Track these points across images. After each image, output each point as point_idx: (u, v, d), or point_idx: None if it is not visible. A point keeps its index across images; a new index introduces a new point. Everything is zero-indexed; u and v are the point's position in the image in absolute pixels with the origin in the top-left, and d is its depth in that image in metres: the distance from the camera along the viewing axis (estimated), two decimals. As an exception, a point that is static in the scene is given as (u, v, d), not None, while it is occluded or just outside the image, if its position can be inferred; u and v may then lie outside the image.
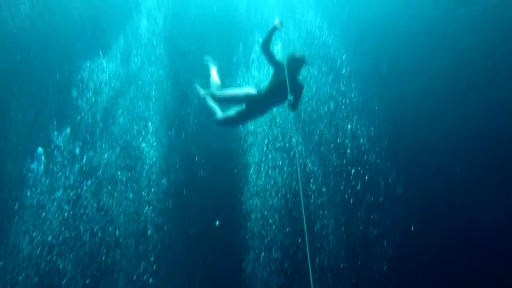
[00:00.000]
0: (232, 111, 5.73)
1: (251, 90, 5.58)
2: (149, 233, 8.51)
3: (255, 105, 5.56)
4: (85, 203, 7.80)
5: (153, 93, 10.27)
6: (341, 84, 10.91)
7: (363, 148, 10.51)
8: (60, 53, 9.27)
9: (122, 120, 9.24)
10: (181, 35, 11.29)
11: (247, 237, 9.45)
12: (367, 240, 10.14)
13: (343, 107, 10.88)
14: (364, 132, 10.71)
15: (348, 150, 10.49)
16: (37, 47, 9.07)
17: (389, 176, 10.35)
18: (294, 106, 5.42)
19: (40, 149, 7.78)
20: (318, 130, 10.63)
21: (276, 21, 5.43)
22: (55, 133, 8.00)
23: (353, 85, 10.80)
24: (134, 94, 9.92)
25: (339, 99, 10.89)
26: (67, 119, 8.28)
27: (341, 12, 11.31)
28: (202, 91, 6.10)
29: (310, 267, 4.06)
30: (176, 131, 10.27)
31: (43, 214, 7.34)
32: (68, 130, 8.14)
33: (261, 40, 5.67)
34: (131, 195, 8.36)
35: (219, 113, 5.61)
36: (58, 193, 7.47)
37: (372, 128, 10.71)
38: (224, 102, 5.66)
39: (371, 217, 10.22)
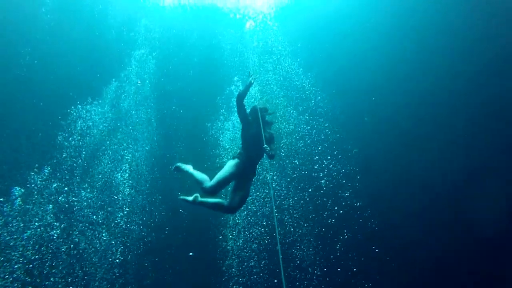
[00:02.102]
0: (220, 179, 5.09)
1: (233, 162, 5.19)
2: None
3: (242, 171, 5.17)
4: (54, 245, 7.43)
5: (139, 136, 10.33)
6: (315, 122, 11.03)
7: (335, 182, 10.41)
8: (52, 97, 9.37)
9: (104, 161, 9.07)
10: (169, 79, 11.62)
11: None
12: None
13: (318, 144, 10.97)
14: (339, 168, 10.68)
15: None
16: (32, 90, 9.20)
17: (364, 212, 10.20)
18: (271, 154, 5.25)
19: (17, 189, 7.56)
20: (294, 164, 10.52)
21: (251, 76, 5.45)
22: (33, 173, 7.80)
23: (327, 124, 10.86)
24: (120, 137, 9.92)
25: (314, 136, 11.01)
26: (49, 160, 8.12)
27: (317, 58, 11.73)
28: (191, 197, 5.30)
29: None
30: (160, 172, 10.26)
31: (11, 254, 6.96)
32: (47, 170, 7.93)
33: (237, 93, 5.49)
34: (104, 237, 7.98)
35: (206, 181, 5.07)
36: (28, 234, 7.13)
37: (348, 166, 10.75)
38: (220, 188, 5.08)
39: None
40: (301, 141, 11.04)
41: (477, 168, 9.87)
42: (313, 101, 11.32)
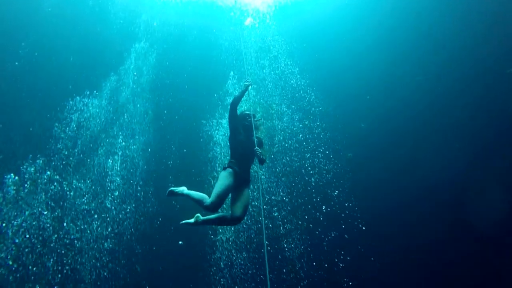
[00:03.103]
0: (218, 193, 4.87)
1: (226, 173, 5.01)
2: (109, 263, 8.14)
3: (237, 179, 5.02)
4: (46, 232, 7.55)
5: (136, 128, 10.38)
6: (308, 121, 11.01)
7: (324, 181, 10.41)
8: (50, 89, 9.45)
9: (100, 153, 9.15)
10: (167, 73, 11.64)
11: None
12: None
13: (309, 141, 10.95)
14: (330, 168, 10.67)
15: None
16: (30, 84, 9.28)
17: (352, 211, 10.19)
18: (262, 158, 5.09)
19: (11, 176, 7.69)
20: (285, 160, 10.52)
21: (247, 82, 5.39)
22: (27, 164, 7.91)
23: (318, 122, 10.83)
24: (117, 129, 9.98)
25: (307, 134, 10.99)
26: (43, 150, 8.23)
27: (313, 58, 11.65)
28: (192, 219, 5.11)
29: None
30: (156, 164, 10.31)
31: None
32: (41, 160, 8.05)
33: (232, 97, 5.41)
34: (96, 225, 8.09)
35: (206, 199, 4.84)
36: (19, 221, 7.26)
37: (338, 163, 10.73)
38: (221, 202, 4.85)
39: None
40: (293, 139, 11.05)
41: (474, 169, 9.76)
42: (306, 100, 11.30)
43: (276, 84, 11.41)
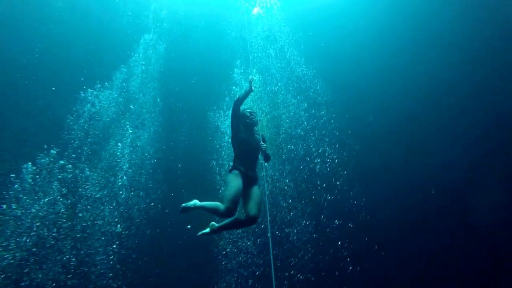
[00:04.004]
0: (230, 197, 4.74)
1: (233, 175, 4.89)
2: (122, 250, 8.47)
3: (245, 179, 4.91)
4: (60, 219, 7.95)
5: (146, 117, 10.56)
6: (314, 110, 10.95)
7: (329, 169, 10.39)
8: (63, 83, 9.67)
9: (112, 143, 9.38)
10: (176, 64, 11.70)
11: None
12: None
13: (316, 131, 10.91)
14: (334, 157, 10.65)
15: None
16: (44, 77, 9.51)
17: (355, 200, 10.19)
18: (267, 154, 5.14)
19: (28, 165, 8.04)
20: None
21: (251, 80, 5.26)
22: (42, 154, 8.25)
23: (322, 112, 10.76)
24: (128, 119, 10.18)
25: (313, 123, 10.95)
26: (57, 140, 8.53)
27: (320, 48, 11.48)
28: (208, 229, 5.03)
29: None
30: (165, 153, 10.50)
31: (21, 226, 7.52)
32: (55, 151, 8.36)
33: (236, 97, 5.26)
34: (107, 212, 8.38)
35: (220, 206, 4.72)
36: (36, 208, 7.66)
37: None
38: (235, 205, 4.73)
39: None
40: (299, 128, 11.03)
41: (480, 164, 9.61)
42: (312, 90, 11.21)
43: (282, 74, 11.35)
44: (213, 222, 4.98)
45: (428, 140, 10.12)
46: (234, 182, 4.80)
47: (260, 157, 5.34)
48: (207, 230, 4.99)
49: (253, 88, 5.28)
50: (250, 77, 5.40)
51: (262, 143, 5.07)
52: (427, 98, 10.26)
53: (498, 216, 8.60)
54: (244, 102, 5.47)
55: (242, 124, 5.25)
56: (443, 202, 9.57)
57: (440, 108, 10.14)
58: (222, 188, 9.55)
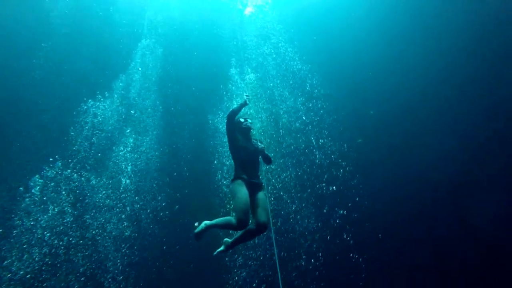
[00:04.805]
0: (239, 208, 4.64)
1: (237, 185, 4.81)
2: (131, 254, 8.60)
3: (250, 186, 4.83)
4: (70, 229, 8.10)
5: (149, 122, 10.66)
6: (311, 104, 10.91)
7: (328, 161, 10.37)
8: (66, 96, 9.82)
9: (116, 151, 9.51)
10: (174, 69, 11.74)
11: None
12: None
13: (315, 123, 10.88)
14: (334, 149, 10.61)
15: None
16: (47, 91, 9.66)
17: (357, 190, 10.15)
18: (268, 157, 5.13)
19: (36, 178, 8.19)
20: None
21: (246, 96, 5.19)
22: (47, 168, 8.42)
23: (319, 105, 10.73)
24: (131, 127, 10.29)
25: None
26: (62, 151, 8.68)
27: (312, 43, 11.40)
28: (222, 247, 4.98)
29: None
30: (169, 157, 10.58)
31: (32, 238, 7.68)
32: (60, 162, 8.50)
33: (231, 110, 5.16)
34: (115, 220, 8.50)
35: (231, 219, 4.64)
36: (45, 218, 7.80)
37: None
38: (247, 216, 4.62)
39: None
40: (298, 121, 11.00)
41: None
42: (308, 84, 11.15)
43: (277, 70, 11.32)
44: (226, 239, 4.93)
45: (427, 130, 10.00)
46: (240, 192, 4.71)
47: (261, 162, 5.28)
48: (222, 247, 4.93)
49: (248, 102, 5.17)
50: (246, 94, 5.34)
51: (259, 143, 5.06)
52: (426, 89, 10.13)
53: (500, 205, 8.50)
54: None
55: (238, 132, 5.18)
56: (446, 190, 9.48)
57: (439, 98, 9.99)
58: (224, 187, 9.64)
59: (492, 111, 9.26)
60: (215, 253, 4.96)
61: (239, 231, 4.78)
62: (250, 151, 5.06)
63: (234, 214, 4.60)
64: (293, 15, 11.47)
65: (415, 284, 9.14)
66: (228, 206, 9.50)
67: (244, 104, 5.15)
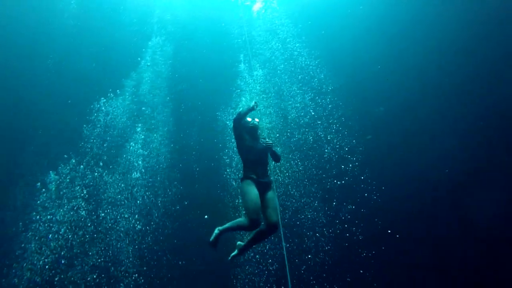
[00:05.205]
0: (250, 208, 4.62)
1: (246, 185, 4.79)
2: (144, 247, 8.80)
3: (259, 185, 4.83)
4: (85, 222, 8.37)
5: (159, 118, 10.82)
6: (320, 99, 10.84)
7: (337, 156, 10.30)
8: (78, 95, 10.07)
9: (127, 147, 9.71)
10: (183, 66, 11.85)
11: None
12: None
13: (324, 118, 10.82)
14: (343, 144, 10.54)
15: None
16: (61, 91, 9.94)
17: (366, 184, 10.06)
18: (274, 153, 5.13)
19: (52, 174, 8.48)
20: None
21: (254, 103, 5.16)
22: (63, 163, 8.68)
23: (328, 99, 10.65)
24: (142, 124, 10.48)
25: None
26: (76, 149, 8.96)
27: (320, 38, 11.29)
28: (236, 251, 4.99)
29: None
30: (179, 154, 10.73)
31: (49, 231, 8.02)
32: (74, 160, 8.77)
33: (237, 113, 5.18)
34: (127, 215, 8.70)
35: (242, 220, 4.65)
36: (61, 212, 8.11)
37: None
38: (257, 215, 4.61)
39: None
40: (307, 117, 10.95)
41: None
42: (316, 79, 11.07)
43: (285, 66, 11.28)
44: (239, 242, 4.94)
45: (427, 129, 9.83)
46: (250, 192, 4.68)
47: (270, 160, 5.26)
48: (236, 252, 4.94)
49: (255, 108, 5.14)
50: (254, 101, 5.29)
51: (267, 140, 5.06)
52: (427, 88, 9.96)
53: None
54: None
55: (245, 132, 5.18)
56: (446, 189, 9.33)
57: (439, 97, 9.80)
58: (233, 182, 9.72)
59: (493, 110, 9.04)
60: (230, 257, 4.98)
61: (251, 232, 4.77)
62: (258, 150, 5.04)
63: (245, 214, 4.61)
64: (301, 10, 11.39)
65: (414, 283, 9.05)
66: (237, 200, 9.62)
67: (251, 109, 5.12)
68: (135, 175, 9.28)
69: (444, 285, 9.02)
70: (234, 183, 9.95)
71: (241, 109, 5.33)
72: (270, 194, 4.86)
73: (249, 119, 5.26)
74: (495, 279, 8.44)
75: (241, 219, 4.70)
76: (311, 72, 11.09)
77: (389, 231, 9.66)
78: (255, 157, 5.00)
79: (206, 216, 9.73)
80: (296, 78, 11.22)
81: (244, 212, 4.70)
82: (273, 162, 5.47)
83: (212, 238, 4.78)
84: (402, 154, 9.97)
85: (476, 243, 8.82)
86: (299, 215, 10.22)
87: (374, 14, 10.42)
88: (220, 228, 4.80)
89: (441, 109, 9.77)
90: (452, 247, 9.30)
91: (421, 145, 9.78)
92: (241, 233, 6.26)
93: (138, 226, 8.77)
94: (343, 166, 10.30)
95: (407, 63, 10.21)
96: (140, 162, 9.63)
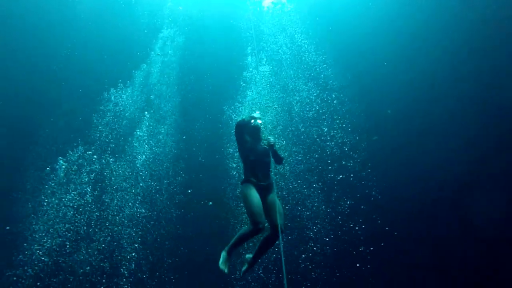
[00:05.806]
0: (252, 211, 4.54)
1: (247, 188, 4.69)
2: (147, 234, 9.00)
3: (260, 189, 4.74)
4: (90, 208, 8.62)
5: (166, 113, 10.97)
6: (325, 95, 10.77)
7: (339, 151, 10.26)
8: (89, 85, 10.29)
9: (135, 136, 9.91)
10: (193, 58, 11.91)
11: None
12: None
13: (328, 113, 10.76)
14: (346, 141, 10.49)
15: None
16: (72, 80, 10.16)
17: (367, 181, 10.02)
18: (276, 155, 5.04)
19: (61, 160, 8.75)
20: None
21: (258, 118, 5.16)
22: (71, 150, 8.94)
23: (333, 95, 10.56)
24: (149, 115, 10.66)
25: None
26: (85, 137, 9.21)
27: (327, 34, 11.17)
28: (246, 265, 4.82)
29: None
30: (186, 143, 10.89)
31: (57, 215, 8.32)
32: (83, 147, 9.02)
33: (240, 120, 5.23)
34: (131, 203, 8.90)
35: (245, 228, 4.56)
36: (68, 197, 8.41)
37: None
38: (261, 218, 4.52)
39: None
40: (311, 112, 10.91)
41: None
42: (323, 75, 10.99)
43: (292, 62, 11.24)
44: (247, 255, 4.84)
45: (432, 130, 9.67)
46: (251, 195, 4.60)
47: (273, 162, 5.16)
48: (245, 266, 4.80)
49: (257, 117, 5.15)
50: (256, 111, 5.32)
51: (269, 138, 4.97)
52: (433, 89, 9.78)
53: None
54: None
55: (246, 134, 5.10)
56: (448, 189, 9.22)
57: (445, 99, 9.61)
58: (235, 173, 9.81)
59: (497, 112, 8.83)
60: (241, 273, 4.83)
61: (256, 243, 4.69)
62: (259, 152, 4.93)
63: (249, 220, 4.52)
64: (309, 6, 11.28)
65: (415, 283, 9.02)
66: (237, 192, 9.72)
67: (253, 118, 5.11)
68: (141, 163, 9.47)
69: (444, 285, 9.00)
70: (236, 175, 10.08)
71: (244, 117, 5.31)
72: (272, 197, 4.77)
73: (249, 117, 5.20)
74: (495, 279, 8.39)
75: (243, 229, 4.60)
76: (317, 68, 11.02)
77: (387, 228, 9.65)
78: (256, 159, 4.90)
79: (210, 203, 9.82)
80: (302, 73, 11.17)
81: (246, 216, 4.74)
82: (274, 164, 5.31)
83: (221, 262, 4.54)
84: (403, 154, 9.90)
85: (476, 243, 8.77)
86: (299, 207, 10.27)
87: (384, 14, 10.24)
88: (226, 248, 4.61)
89: (446, 111, 9.61)
90: (452, 247, 9.26)
91: (423, 146, 9.70)
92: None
93: (142, 213, 8.99)
94: (344, 162, 10.28)
95: (414, 63, 10.06)
96: (147, 151, 9.82)
